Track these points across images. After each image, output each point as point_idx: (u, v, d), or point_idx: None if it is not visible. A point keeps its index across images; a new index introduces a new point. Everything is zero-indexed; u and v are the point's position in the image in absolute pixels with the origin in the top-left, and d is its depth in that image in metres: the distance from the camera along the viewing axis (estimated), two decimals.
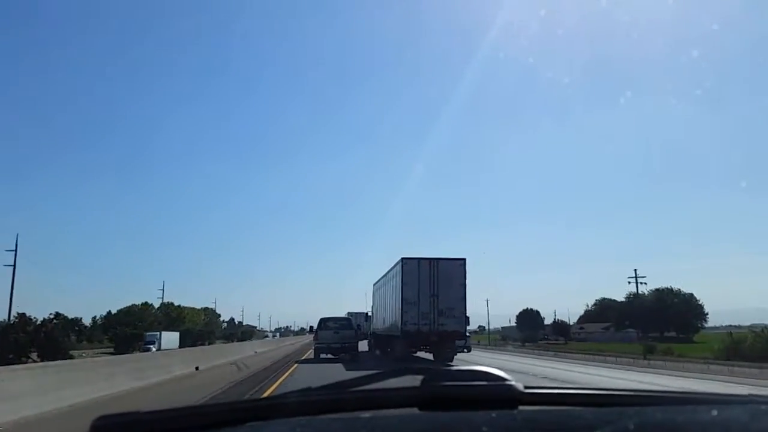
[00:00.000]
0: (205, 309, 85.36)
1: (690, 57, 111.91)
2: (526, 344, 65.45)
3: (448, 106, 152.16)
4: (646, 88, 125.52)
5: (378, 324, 33.49)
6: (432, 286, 23.93)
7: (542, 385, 1.34)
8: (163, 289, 68.75)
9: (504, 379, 1.14)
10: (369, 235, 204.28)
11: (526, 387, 1.12)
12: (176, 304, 68.50)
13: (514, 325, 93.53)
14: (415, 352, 25.96)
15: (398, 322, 24.30)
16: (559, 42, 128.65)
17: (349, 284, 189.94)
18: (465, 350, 32.75)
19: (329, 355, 25.62)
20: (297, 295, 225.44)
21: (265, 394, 11.59)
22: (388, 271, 28.21)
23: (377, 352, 35.58)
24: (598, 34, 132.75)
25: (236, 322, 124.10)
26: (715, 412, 1.04)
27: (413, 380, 1.17)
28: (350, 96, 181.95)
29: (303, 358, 29.11)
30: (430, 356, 25.92)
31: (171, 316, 65.33)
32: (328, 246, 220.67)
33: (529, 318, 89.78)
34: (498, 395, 1.11)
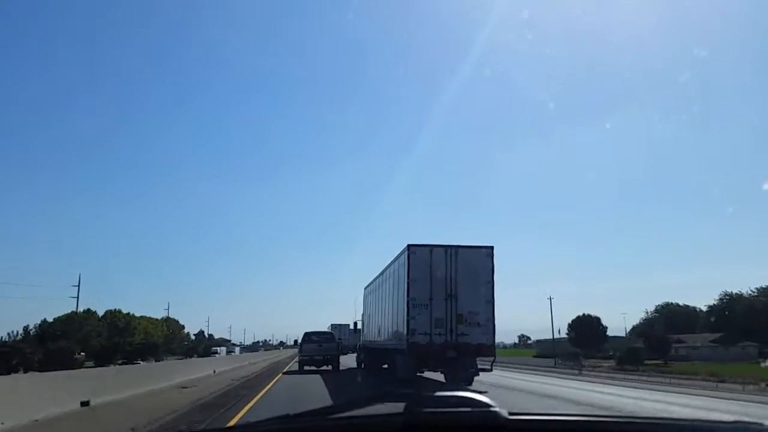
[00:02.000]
0: (167, 319, 77.17)
1: (677, 81, 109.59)
2: (625, 368, 40.62)
3: (434, 120, 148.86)
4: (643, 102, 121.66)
5: (371, 335, 27.53)
6: (449, 284, 18.16)
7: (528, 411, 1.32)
8: (78, 285, 51.89)
9: (489, 405, 1.15)
10: (355, 244, 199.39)
11: (510, 413, 1.13)
12: (124, 311, 60.51)
13: (563, 336, 72.38)
14: (422, 372, 19.95)
15: (402, 331, 18.44)
16: (546, 60, 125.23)
17: (335, 294, 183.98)
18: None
19: (313, 367, 26.93)
20: (279, 308, 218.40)
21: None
22: (388, 266, 22.31)
23: (362, 367, 29.86)
24: (587, 52, 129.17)
25: (206, 335, 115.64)
26: None
27: (395, 406, 1.17)
28: (334, 115, 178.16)
29: None
30: (440, 377, 19.97)
31: (117, 326, 57.55)
32: (312, 257, 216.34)
33: (586, 327, 68.98)
34: (482, 422, 1.11)
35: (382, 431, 1.15)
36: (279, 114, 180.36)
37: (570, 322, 71.66)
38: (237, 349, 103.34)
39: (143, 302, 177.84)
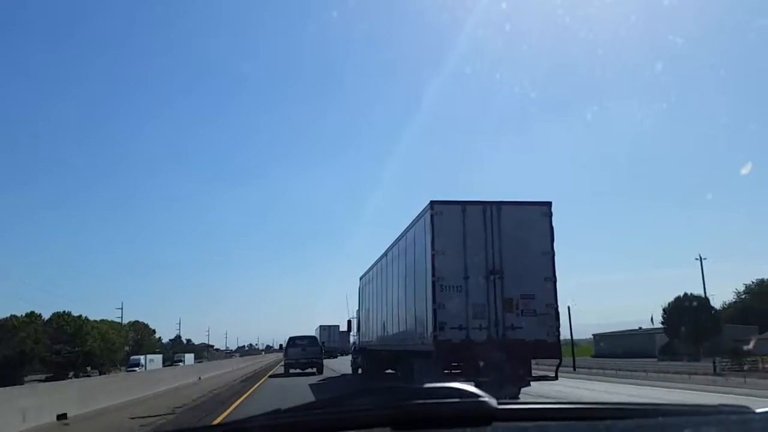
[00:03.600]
0: (134, 323, 69.79)
1: (654, 71, 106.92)
2: None
3: (414, 120, 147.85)
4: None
5: (371, 334, 22.16)
6: (491, 256, 13.03)
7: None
8: None
9: (477, 396, 1.16)
10: (343, 245, 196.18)
11: (500, 403, 1.14)
12: (75, 314, 52.45)
13: (656, 327, 52.69)
14: (450, 381, 14.42)
15: (425, 326, 13.19)
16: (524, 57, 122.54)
17: (323, 296, 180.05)
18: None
19: (297, 370, 28.02)
20: (266, 312, 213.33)
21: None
22: (398, 240, 16.97)
23: (359, 372, 25.22)
24: (563, 48, 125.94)
25: (184, 341, 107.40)
26: (687, 425, 1.15)
27: (385, 399, 1.21)
28: (316, 115, 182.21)
29: None
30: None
31: (65, 331, 50.71)
32: (299, 259, 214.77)
33: (691, 312, 47.55)
34: (472, 412, 1.12)
35: (372, 424, 1.13)
36: (260, 115, 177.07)
37: (666, 305, 51.30)
38: (187, 357, 70.14)
39: (128, 308, 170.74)
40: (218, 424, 1.61)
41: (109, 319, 61.58)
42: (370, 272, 22.71)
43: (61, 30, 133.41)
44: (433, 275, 12.80)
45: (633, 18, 74.01)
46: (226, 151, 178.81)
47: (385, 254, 19.24)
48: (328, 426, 1.14)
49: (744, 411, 1.34)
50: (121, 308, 67.10)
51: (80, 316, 53.06)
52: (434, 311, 12.65)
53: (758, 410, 1.32)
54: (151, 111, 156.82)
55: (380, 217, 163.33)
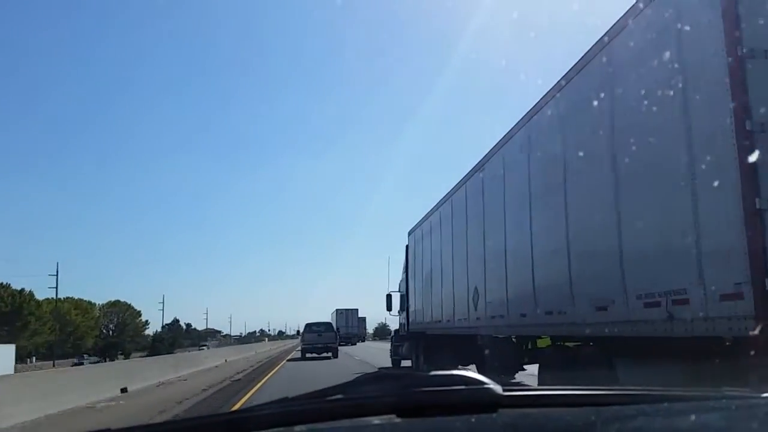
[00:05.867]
0: (114, 303, 60.15)
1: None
2: None
3: (422, 107, 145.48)
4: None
5: (436, 310, 14.12)
6: None
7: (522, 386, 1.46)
8: None
9: (483, 383, 1.16)
10: (354, 230, 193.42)
11: (505, 389, 1.14)
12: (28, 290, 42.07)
13: None
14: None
15: (700, 263, 4.60)
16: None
17: (339, 278, 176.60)
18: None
19: (314, 354, 29.62)
20: (280, 297, 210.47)
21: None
22: (540, 103, 8.48)
23: (401, 364, 18.54)
24: (571, 37, 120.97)
25: (184, 326, 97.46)
26: (692, 410, 1.16)
27: (391, 387, 1.19)
28: (322, 101, 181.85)
29: None
30: None
31: (5, 310, 40.76)
32: (313, 246, 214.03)
33: None
34: (477, 399, 1.12)
35: (378, 412, 1.15)
36: (268, 102, 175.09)
37: None
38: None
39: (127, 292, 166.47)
40: (225, 412, 1.54)
41: (94, 301, 53.13)
42: (438, 211, 14.46)
43: (69, 14, 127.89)
44: (740, 114, 4.47)
45: (641, 5, 67.25)
46: (234, 136, 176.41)
47: (481, 167, 10.96)
48: (335, 414, 1.14)
49: (748, 396, 1.39)
50: (56, 274, 46.11)
51: (22, 290, 43.16)
52: (748, 218, 4.35)
53: (763, 395, 1.35)
54: (156, 99, 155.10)
55: (393, 206, 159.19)
